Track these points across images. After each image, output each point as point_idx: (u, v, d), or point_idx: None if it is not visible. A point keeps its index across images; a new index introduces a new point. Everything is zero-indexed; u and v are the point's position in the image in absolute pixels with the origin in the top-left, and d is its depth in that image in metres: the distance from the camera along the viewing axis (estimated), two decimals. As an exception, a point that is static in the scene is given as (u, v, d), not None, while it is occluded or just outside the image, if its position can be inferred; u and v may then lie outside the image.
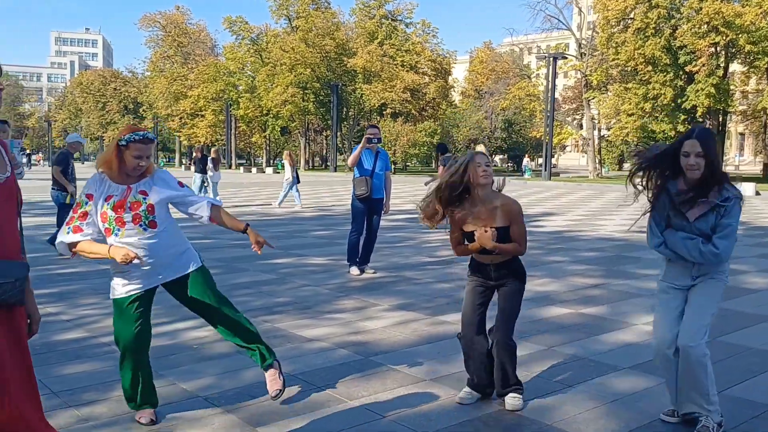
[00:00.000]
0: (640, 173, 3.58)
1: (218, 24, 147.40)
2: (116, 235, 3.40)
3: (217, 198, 17.93)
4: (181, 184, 3.65)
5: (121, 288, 3.50)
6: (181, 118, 66.01)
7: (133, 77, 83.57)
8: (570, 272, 8.45)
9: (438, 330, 5.60)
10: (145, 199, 3.43)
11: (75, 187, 9.54)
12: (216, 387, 4.20)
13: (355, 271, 8.09)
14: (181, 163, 69.96)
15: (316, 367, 4.58)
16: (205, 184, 19.00)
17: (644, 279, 7.91)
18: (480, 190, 3.75)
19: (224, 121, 61.76)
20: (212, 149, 22.42)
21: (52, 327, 5.54)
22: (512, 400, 3.90)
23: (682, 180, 3.46)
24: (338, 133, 55.50)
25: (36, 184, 29.64)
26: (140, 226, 3.42)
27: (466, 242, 3.87)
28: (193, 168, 23.26)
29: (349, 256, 8.20)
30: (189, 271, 3.64)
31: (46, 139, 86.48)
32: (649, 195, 3.58)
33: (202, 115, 63.91)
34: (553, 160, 53.83)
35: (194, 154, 25.19)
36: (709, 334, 3.52)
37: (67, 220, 3.44)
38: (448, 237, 3.97)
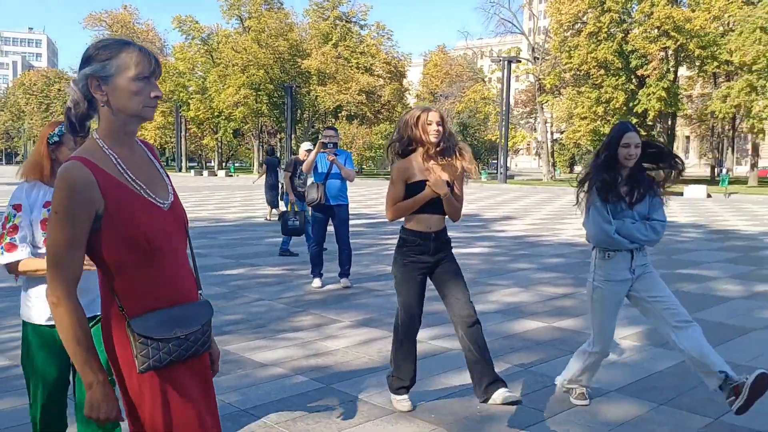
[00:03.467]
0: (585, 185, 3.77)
1: (167, 23, 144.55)
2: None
3: None
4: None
5: (45, 313, 2.84)
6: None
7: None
8: (537, 281, 8.10)
9: (405, 350, 5.11)
10: None
11: None
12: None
13: (316, 283, 7.54)
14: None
15: (271, 400, 4.04)
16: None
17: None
18: (431, 148, 3.66)
19: (174, 123, 60.24)
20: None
21: (-33, 355, 4.86)
22: (507, 393, 3.61)
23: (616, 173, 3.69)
24: (292, 136, 54.65)
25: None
26: None
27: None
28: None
29: (311, 269, 7.64)
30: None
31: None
32: (586, 195, 3.74)
33: (151, 117, 62.28)
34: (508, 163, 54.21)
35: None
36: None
37: None
38: (387, 203, 3.78)
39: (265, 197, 15.52)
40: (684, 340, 3.59)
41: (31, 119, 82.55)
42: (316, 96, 54.33)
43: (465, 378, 4.45)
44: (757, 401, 3.41)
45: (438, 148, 3.67)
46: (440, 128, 3.66)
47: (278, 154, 16.39)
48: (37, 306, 2.83)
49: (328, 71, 53.47)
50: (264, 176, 15.58)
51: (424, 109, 3.75)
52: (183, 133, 61.39)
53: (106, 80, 1.78)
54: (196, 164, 74.14)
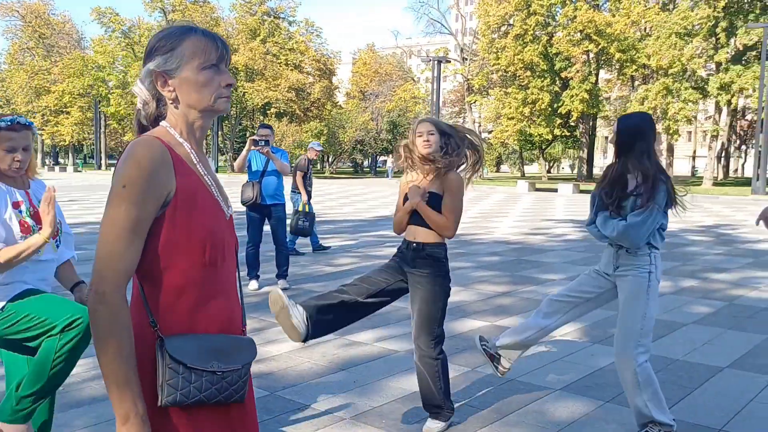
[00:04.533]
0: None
1: (85, 15, 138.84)
2: (39, 251, 2.63)
3: None
4: None
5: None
6: (43, 115, 61.06)
7: (-12, 70, 76.50)
8: (476, 279, 8.14)
9: (350, 353, 5.01)
10: (58, 208, 2.71)
11: None
12: (87, 446, 3.38)
13: (253, 285, 7.31)
14: (44, 164, 64.81)
15: (214, 410, 3.85)
16: None
17: (549, 284, 7.73)
18: (421, 161, 3.56)
19: (92, 119, 57.82)
20: None
21: None
22: (431, 423, 3.58)
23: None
24: (219, 133, 53.47)
25: None
26: (56, 242, 2.75)
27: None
28: None
29: (247, 270, 7.39)
30: None
31: None
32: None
33: (68, 112, 59.51)
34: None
35: None
36: (643, 343, 3.39)
37: None
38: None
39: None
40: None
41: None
42: (244, 92, 53.34)
43: (410, 383, 4.39)
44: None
45: (431, 160, 3.54)
46: (430, 138, 3.52)
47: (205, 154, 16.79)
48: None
49: (256, 67, 52.59)
50: None
51: (417, 121, 3.68)
52: (102, 129, 59.01)
53: (172, 74, 1.56)
54: (116, 161, 71.41)
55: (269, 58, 52.92)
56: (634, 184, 3.44)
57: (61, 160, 71.92)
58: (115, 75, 58.22)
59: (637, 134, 3.44)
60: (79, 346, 2.51)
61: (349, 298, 3.50)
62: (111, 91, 56.85)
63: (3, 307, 2.61)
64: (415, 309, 3.56)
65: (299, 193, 9.73)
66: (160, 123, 1.62)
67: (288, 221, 7.86)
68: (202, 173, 1.59)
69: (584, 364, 4.84)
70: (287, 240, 7.39)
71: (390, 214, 17.42)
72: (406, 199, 3.65)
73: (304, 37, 57.28)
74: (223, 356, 1.52)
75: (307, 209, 8.79)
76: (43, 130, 62.37)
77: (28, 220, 2.63)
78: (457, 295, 7.15)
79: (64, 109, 59.62)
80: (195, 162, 1.58)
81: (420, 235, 3.59)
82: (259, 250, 7.43)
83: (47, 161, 64.82)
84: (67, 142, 62.34)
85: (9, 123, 2.59)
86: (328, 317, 3.45)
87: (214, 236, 1.55)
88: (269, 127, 7.45)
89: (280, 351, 5.03)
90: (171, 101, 1.59)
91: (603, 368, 4.74)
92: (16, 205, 2.64)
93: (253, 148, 7.03)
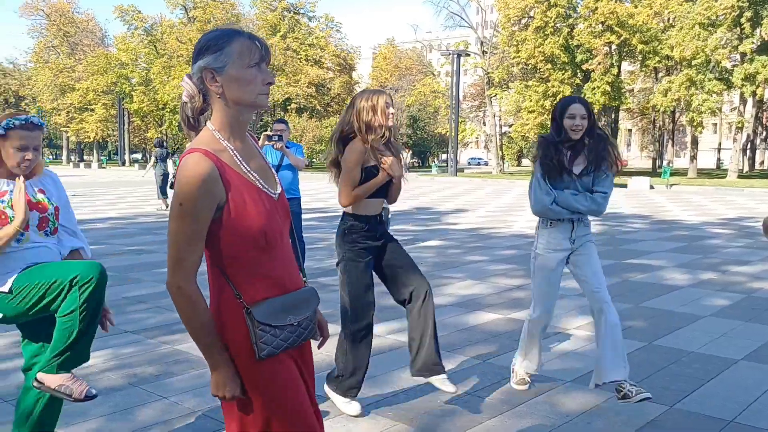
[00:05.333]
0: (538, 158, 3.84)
1: (108, 13, 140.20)
2: (18, 241, 2.69)
3: None
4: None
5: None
6: (68, 113, 61.98)
7: (15, 69, 77.69)
8: (492, 272, 8.14)
9: (363, 345, 5.04)
10: (50, 199, 2.81)
11: None
12: (104, 431, 3.46)
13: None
14: (69, 161, 65.75)
15: (227, 400, 3.91)
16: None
17: (566, 278, 7.68)
18: (385, 132, 3.60)
19: (116, 116, 58.53)
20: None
21: None
22: (449, 384, 3.66)
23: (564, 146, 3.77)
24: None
25: None
26: (45, 232, 2.78)
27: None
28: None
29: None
30: None
31: None
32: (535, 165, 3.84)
33: (92, 109, 60.31)
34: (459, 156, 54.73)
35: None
36: None
37: None
38: (343, 190, 3.63)
39: (159, 189, 16.04)
40: (601, 326, 3.74)
41: (10, 116, 79.10)
42: (265, 88, 53.56)
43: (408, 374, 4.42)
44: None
45: (388, 132, 3.63)
46: (392, 111, 3.66)
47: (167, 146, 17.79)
48: None
49: (276, 63, 52.77)
50: (153, 169, 16.35)
51: (375, 92, 3.66)
52: (126, 126, 59.72)
53: (220, 71, 1.77)
54: (140, 158, 72.26)
55: (289, 53, 53.11)
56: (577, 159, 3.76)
57: (86, 157, 72.86)
58: (138, 72, 58.86)
59: (592, 118, 3.78)
60: (94, 295, 2.62)
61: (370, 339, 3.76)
62: (134, 88, 57.52)
63: (10, 288, 2.68)
64: (404, 261, 3.73)
65: None
66: (206, 124, 1.83)
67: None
68: (246, 170, 1.82)
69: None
70: (301, 234, 7.44)
71: (409, 209, 17.43)
72: (366, 172, 3.60)
73: (324, 32, 57.38)
74: (295, 310, 1.87)
75: None
76: (68, 127, 63.33)
77: (8, 211, 2.67)
78: (472, 288, 7.16)
79: (89, 107, 60.42)
80: (238, 162, 1.81)
81: (379, 207, 3.70)
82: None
83: (72, 158, 65.71)
84: (92, 139, 63.17)
85: (23, 122, 2.66)
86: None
87: (267, 223, 1.82)
88: (284, 122, 7.49)
89: (294, 343, 5.09)
90: (218, 96, 1.79)
91: (616, 360, 4.72)
92: (1, 195, 2.70)
93: (267, 143, 7.08)
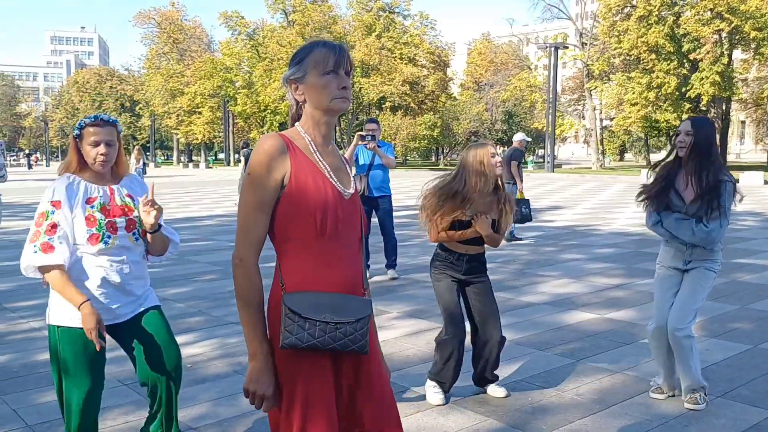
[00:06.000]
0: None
1: (214, 20, 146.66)
2: (106, 243, 2.78)
3: None
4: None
5: (77, 314, 2.73)
6: (178, 116, 65.41)
7: (129, 75, 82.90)
8: (589, 271, 7.98)
9: (454, 341, 5.12)
10: (135, 203, 2.87)
11: None
12: (211, 416, 3.73)
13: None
14: (179, 161, 69.40)
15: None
16: None
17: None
18: (493, 181, 3.83)
19: (222, 118, 61.19)
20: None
21: (33, 345, 5.08)
22: (499, 389, 4.00)
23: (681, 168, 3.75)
24: (337, 128, 54.91)
25: (30, 185, 29.20)
26: (133, 234, 2.86)
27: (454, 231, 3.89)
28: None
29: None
30: (149, 306, 2.98)
31: (44, 138, 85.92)
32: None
33: (199, 112, 63.33)
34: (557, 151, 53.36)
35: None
36: (695, 319, 3.81)
37: (30, 236, 2.76)
38: (430, 231, 3.93)
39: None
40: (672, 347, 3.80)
41: (86, 116, 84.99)
42: (360, 88, 54.36)
43: (514, 370, 4.45)
44: None
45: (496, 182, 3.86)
46: (499, 159, 3.84)
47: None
48: (69, 306, 2.72)
49: (371, 63, 53.43)
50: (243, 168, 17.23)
51: (479, 146, 3.88)
52: (231, 127, 62.29)
53: (301, 80, 1.92)
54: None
55: (384, 53, 53.57)
56: (689, 185, 3.69)
57: (194, 158, 76.61)
58: (242, 76, 61.27)
59: (713, 139, 3.69)
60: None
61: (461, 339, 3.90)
62: (238, 91, 59.90)
63: (57, 327, 2.81)
64: (486, 306, 3.96)
65: (511, 182, 10.22)
66: (295, 125, 1.98)
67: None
68: (318, 160, 1.91)
69: (700, 358, 4.66)
70: (393, 231, 7.58)
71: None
72: (461, 224, 3.84)
73: (418, 30, 57.51)
74: (336, 310, 1.82)
75: (523, 197, 9.66)
76: (177, 129, 66.84)
77: (97, 214, 2.80)
78: (567, 287, 7.07)
79: (197, 110, 63.46)
80: (312, 151, 1.92)
81: (471, 249, 3.94)
82: (368, 241, 7.67)
83: (182, 159, 69.28)
84: (199, 141, 66.35)
85: (93, 119, 2.83)
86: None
87: (326, 212, 1.85)
88: (376, 121, 7.66)
89: (387, 337, 5.23)
90: (302, 102, 1.96)
91: (718, 362, 4.57)
92: (90, 201, 2.81)
93: (360, 142, 7.27)
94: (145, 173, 22.60)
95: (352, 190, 1.97)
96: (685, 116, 37.69)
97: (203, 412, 3.79)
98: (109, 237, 2.79)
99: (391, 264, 7.63)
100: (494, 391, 4.01)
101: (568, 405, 3.85)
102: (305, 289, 1.83)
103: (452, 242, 3.91)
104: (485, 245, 3.96)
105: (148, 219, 2.78)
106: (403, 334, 5.32)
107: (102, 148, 2.79)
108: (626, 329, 5.44)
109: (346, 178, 1.98)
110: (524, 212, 9.51)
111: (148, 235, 2.86)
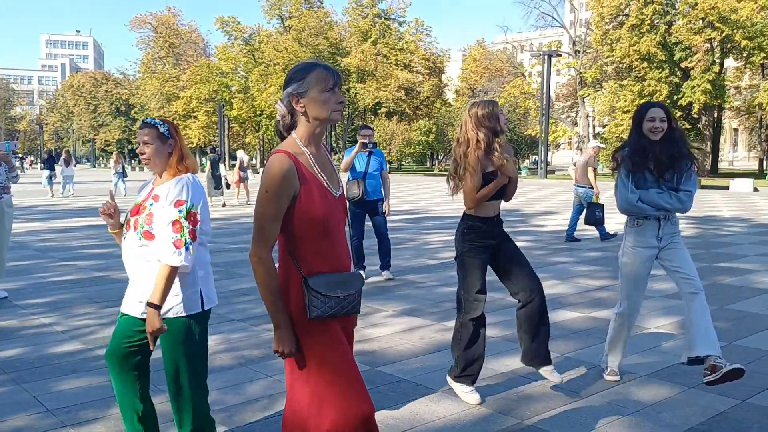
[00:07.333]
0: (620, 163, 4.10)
1: (210, 24, 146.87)
2: (124, 238, 3.02)
3: (71, 190, 24.38)
4: (178, 204, 2.88)
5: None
6: (174, 120, 65.56)
7: (125, 79, 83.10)
8: (576, 273, 8.29)
9: (446, 337, 5.40)
10: (152, 205, 2.94)
11: None
12: (218, 403, 4.01)
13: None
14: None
15: (323, 380, 4.39)
16: (54, 179, 24.59)
17: (652, 279, 7.72)
18: (502, 139, 4.03)
19: (217, 122, 61.42)
20: (63, 150, 31.20)
21: (46, 339, 5.34)
22: (556, 375, 4.04)
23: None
24: (332, 133, 55.24)
25: (28, 188, 29.35)
26: (137, 233, 2.96)
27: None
28: (41, 166, 33.02)
29: (354, 262, 7.96)
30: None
31: (38, 142, 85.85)
32: (617, 166, 4.12)
33: (195, 117, 63.56)
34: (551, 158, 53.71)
35: (42, 155, 32.61)
36: None
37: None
38: (467, 195, 3.96)
39: (209, 189, 18.71)
40: (693, 307, 3.93)
41: (80, 120, 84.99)
42: (356, 93, 54.74)
43: (504, 364, 4.74)
44: (725, 383, 3.80)
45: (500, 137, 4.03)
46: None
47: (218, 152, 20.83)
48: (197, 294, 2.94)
49: (367, 68, 53.83)
50: (208, 170, 19.23)
51: (490, 104, 4.03)
52: (226, 132, 62.55)
53: (303, 95, 2.30)
54: (236, 162, 75.21)
55: (380, 59, 53.98)
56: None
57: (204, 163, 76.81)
58: (238, 80, 61.55)
59: (672, 122, 4.02)
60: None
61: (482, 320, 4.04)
62: (233, 96, 60.16)
63: (188, 323, 2.94)
64: (518, 259, 4.05)
65: (586, 186, 11.30)
66: (291, 134, 2.35)
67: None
68: (317, 172, 2.33)
69: (675, 354, 4.94)
70: (386, 232, 7.89)
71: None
72: (487, 178, 3.93)
73: (413, 36, 57.95)
74: (343, 286, 2.33)
75: (598, 200, 10.60)
76: (173, 133, 66.98)
77: (128, 212, 3.05)
78: (554, 288, 7.36)
79: (192, 114, 63.67)
80: (312, 164, 2.32)
81: (496, 208, 4.07)
82: (362, 244, 7.94)
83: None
84: (195, 144, 66.56)
85: (141, 123, 3.09)
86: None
87: (328, 213, 2.32)
88: (370, 127, 8.01)
89: (382, 333, 5.52)
90: (302, 114, 2.32)
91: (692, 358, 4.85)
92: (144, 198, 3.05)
93: (363, 150, 7.56)
94: (126, 176, 24.64)
95: (340, 190, 2.42)
96: (681, 124, 38.17)
97: (211, 399, 4.04)
98: (126, 233, 3.03)
99: (385, 265, 7.91)
100: (552, 376, 4.00)
101: (551, 394, 4.14)
102: (317, 272, 2.30)
103: (482, 208, 3.98)
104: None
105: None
106: (398, 331, 5.61)
107: (143, 148, 3.01)
108: (607, 326, 5.72)
109: (335, 180, 2.41)
110: (598, 215, 10.61)
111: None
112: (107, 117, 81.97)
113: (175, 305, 2.91)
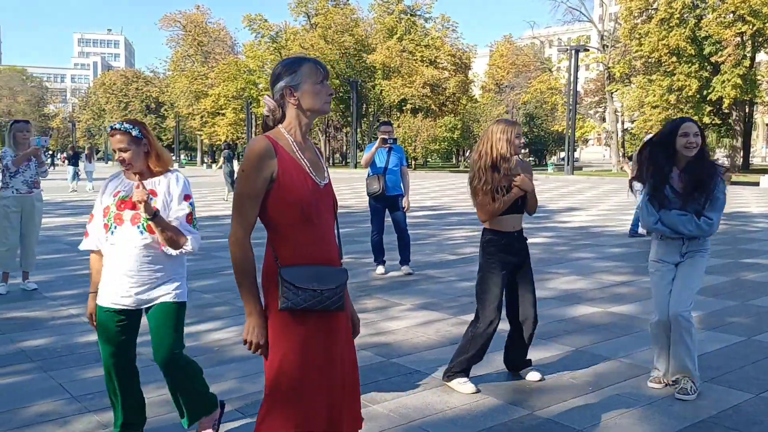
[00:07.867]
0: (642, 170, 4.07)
1: (238, 22, 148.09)
2: (112, 233, 3.10)
3: (93, 185, 24.95)
4: (187, 198, 3.19)
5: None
6: (202, 117, 66.36)
7: (155, 77, 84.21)
8: (597, 269, 8.26)
9: (461, 330, 5.42)
10: (151, 199, 3.06)
11: None
12: (236, 391, 4.12)
13: (380, 270, 7.95)
14: (203, 162, 70.37)
15: (338, 370, 4.47)
16: (79, 175, 25.56)
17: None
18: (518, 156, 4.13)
19: (245, 120, 61.99)
20: (86, 146, 30.42)
21: (73, 329, 5.51)
22: (536, 373, 4.28)
23: (675, 166, 3.94)
24: (358, 130, 55.36)
25: (60, 183, 30.00)
26: (138, 227, 3.08)
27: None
28: (66, 162, 35.03)
29: (374, 256, 8.05)
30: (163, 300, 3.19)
31: (71, 139, 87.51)
32: (644, 181, 4.05)
33: (223, 114, 64.20)
34: (575, 154, 53.21)
35: (67, 152, 36.02)
36: (693, 304, 4.01)
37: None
38: (481, 209, 4.10)
39: (228, 183, 19.51)
40: (672, 330, 4.00)
41: (111, 117, 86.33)
42: (381, 90, 54.80)
43: (517, 355, 4.76)
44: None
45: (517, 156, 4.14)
46: (523, 141, 4.16)
47: (345, 150, 20.98)
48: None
49: (392, 65, 53.84)
50: (224, 166, 20.06)
51: (510, 125, 4.10)
52: (253, 128, 63.11)
53: (297, 88, 2.32)
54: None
55: (405, 55, 53.94)
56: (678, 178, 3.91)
57: (217, 158, 77.49)
58: (265, 78, 61.95)
59: (704, 138, 3.93)
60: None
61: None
62: (261, 93, 60.59)
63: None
64: (526, 288, 4.24)
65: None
66: (278, 126, 2.35)
67: None
68: (299, 157, 2.31)
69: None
70: (406, 227, 7.96)
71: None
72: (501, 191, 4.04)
73: (439, 32, 57.79)
74: (321, 279, 2.27)
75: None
76: (201, 130, 67.78)
77: (112, 207, 3.13)
78: (574, 284, 7.36)
79: (220, 111, 64.32)
80: (294, 150, 2.31)
81: (516, 223, 4.16)
82: (383, 239, 8.02)
83: (206, 159, 70.20)
84: (223, 141, 67.25)
85: (111, 128, 3.13)
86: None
87: (307, 200, 2.27)
88: (389, 123, 8.12)
89: (399, 326, 5.59)
90: (295, 106, 2.33)
91: (710, 352, 4.85)
92: (115, 194, 3.15)
93: (383, 146, 7.65)
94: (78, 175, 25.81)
95: (326, 181, 2.38)
96: (706, 119, 37.56)
97: (230, 387, 4.18)
98: (115, 227, 3.09)
99: (405, 260, 7.97)
100: (532, 375, 4.26)
101: (563, 387, 4.17)
102: (295, 263, 2.26)
103: (500, 222, 4.07)
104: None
105: (141, 211, 3.06)
106: (414, 324, 5.67)
107: (122, 155, 3.10)
108: (626, 322, 5.74)
109: (321, 172, 2.38)
110: None
111: (152, 226, 3.06)
112: (138, 114, 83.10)
113: (175, 291, 3.20)
